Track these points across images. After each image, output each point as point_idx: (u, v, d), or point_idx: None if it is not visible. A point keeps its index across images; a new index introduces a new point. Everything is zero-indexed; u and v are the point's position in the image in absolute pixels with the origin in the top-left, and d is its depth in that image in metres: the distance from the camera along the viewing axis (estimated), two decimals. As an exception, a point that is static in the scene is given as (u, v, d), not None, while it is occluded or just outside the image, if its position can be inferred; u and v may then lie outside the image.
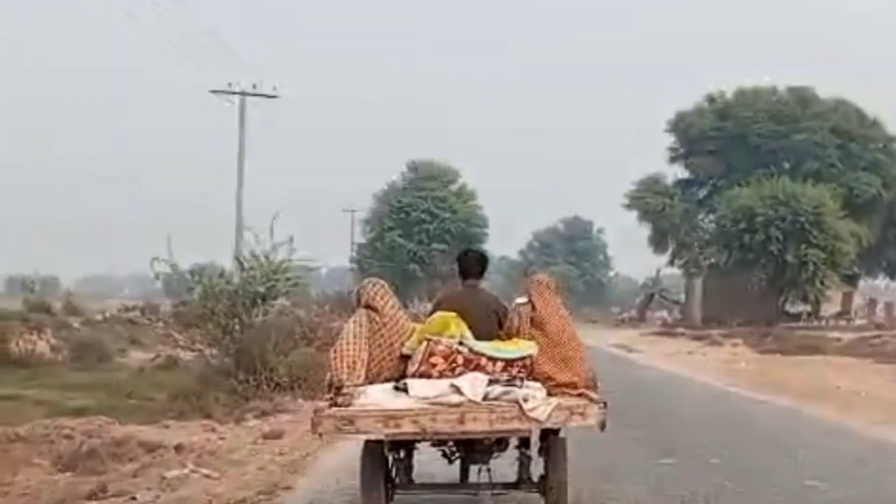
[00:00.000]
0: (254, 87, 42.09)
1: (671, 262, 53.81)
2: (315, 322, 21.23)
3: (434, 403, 5.77)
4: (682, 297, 58.87)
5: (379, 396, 5.88)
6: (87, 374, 17.22)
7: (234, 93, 41.81)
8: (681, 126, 51.77)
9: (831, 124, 48.65)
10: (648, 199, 51.66)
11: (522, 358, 6.27)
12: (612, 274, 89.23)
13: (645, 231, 52.76)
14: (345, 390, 5.82)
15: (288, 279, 15.42)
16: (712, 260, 50.62)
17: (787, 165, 48.30)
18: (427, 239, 56.65)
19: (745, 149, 49.55)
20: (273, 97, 42.50)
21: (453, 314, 6.39)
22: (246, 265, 15.26)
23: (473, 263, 7.10)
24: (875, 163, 48.97)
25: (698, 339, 35.47)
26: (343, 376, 5.91)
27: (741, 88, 51.51)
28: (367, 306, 6.23)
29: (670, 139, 52.60)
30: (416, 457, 6.73)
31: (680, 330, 42.91)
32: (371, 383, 6.04)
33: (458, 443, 6.38)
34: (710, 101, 51.98)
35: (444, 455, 6.65)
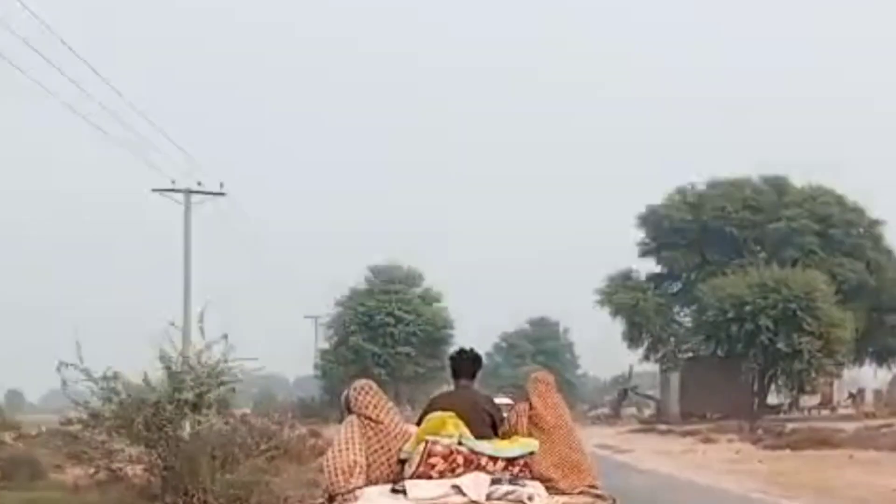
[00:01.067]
0: (199, 184, 40.15)
1: (646, 357, 53.78)
2: (271, 430, 20.17)
3: None
4: (657, 392, 58.81)
5: (377, 499, 5.78)
6: (16, 493, 15.96)
7: (178, 190, 39.74)
8: (652, 220, 52.67)
9: (810, 211, 49.39)
10: (621, 295, 51.80)
11: (523, 456, 6.20)
12: (579, 373, 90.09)
13: (615, 328, 53.17)
14: (341, 493, 5.70)
15: (222, 383, 14.03)
16: (690, 354, 50.52)
17: (764, 255, 48.57)
18: (392, 342, 56.59)
19: (720, 240, 50.45)
20: (220, 195, 40.68)
21: (450, 414, 6.36)
22: (174, 368, 13.74)
23: (467, 364, 7.19)
24: (857, 248, 49.66)
25: (687, 434, 34.98)
26: (338, 481, 5.79)
27: (714, 179, 52.34)
28: (361, 415, 6.14)
29: (640, 234, 53.41)
30: None
31: (662, 426, 42.54)
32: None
33: None
34: (681, 193, 52.50)
35: None
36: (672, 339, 52.36)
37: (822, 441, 24.59)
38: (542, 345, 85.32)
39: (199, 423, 13.59)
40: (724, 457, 24.95)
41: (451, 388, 7.24)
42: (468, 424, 6.31)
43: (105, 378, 13.42)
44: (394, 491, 5.81)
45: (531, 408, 6.52)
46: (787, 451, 23.79)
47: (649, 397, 61.35)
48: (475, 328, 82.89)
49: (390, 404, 6.36)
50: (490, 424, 6.70)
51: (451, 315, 58.96)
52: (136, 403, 13.22)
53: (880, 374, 55.22)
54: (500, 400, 40.03)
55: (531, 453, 6.18)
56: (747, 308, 42.09)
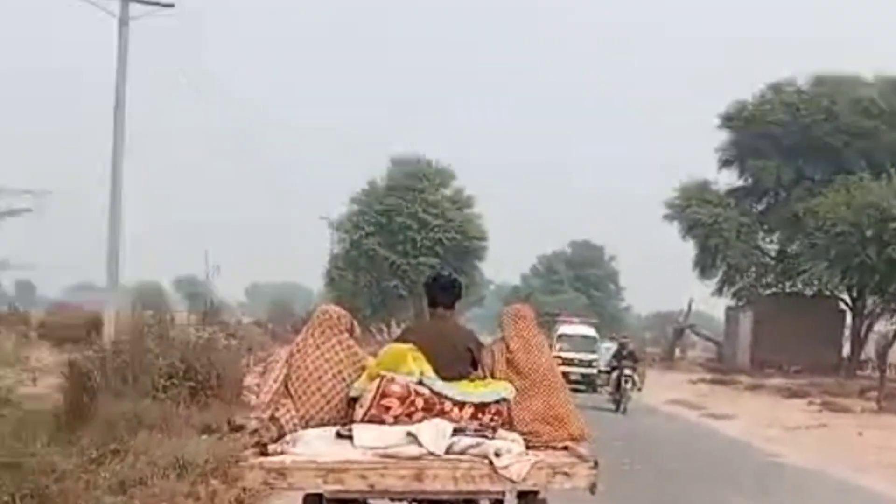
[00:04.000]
0: None
1: (719, 290, 52.95)
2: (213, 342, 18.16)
3: (385, 455, 5.87)
4: (716, 334, 59.11)
5: (318, 444, 5.95)
6: None
7: None
8: (739, 120, 50.89)
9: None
10: (696, 209, 50.75)
11: (497, 402, 6.40)
12: (623, 306, 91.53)
13: (667, 257, 51.87)
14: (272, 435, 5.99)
15: None
16: (772, 290, 50.10)
17: (876, 173, 45.18)
18: (413, 251, 56.66)
19: (823, 151, 48.45)
20: (168, 5, 30.87)
21: (410, 346, 6.58)
22: None
23: (443, 290, 7.32)
24: None
25: (788, 393, 33.18)
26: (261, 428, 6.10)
27: (818, 75, 50.65)
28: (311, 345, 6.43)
29: (721, 140, 52.05)
30: None
31: (743, 378, 41.06)
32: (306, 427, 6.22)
33: (418, 500, 6.47)
34: (775, 91, 51.02)
35: None
36: (753, 269, 51.51)
37: None
38: (583, 271, 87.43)
39: None
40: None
41: (428, 318, 7.47)
42: (439, 362, 6.54)
43: None
44: (339, 436, 6.00)
45: (507, 347, 6.79)
46: None
47: (711, 340, 61.68)
48: (510, 245, 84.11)
49: (344, 336, 6.57)
50: (470, 363, 6.94)
51: (484, 225, 59.27)
52: None
53: None
54: (575, 328, 37.60)
55: (504, 399, 6.42)
56: (893, 226, 37.76)
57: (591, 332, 38.36)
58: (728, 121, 51.48)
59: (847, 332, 49.09)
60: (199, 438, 12.49)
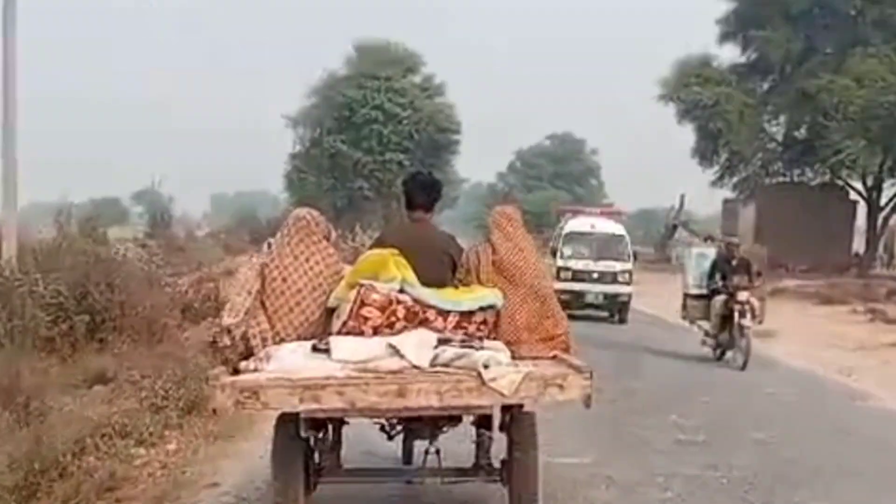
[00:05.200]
0: None
1: (720, 179, 52.66)
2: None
3: (365, 370, 6.00)
4: (717, 230, 58.99)
5: (293, 360, 6.10)
6: None
7: None
8: None
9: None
10: (696, 88, 49.76)
11: (483, 310, 6.58)
12: (606, 203, 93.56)
13: (650, 151, 51.41)
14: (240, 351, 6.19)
15: None
16: (780, 178, 50.14)
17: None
18: (379, 147, 56.45)
19: (836, 19, 47.64)
20: None
21: (392, 251, 6.75)
22: None
23: (423, 189, 7.59)
24: None
25: (822, 300, 31.28)
26: (235, 324, 6.31)
27: None
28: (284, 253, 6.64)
29: (716, 12, 51.38)
30: (346, 431, 7.25)
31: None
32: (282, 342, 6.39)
33: (400, 417, 6.78)
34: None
35: (382, 429, 7.15)
36: (759, 155, 50.83)
37: None
38: (563, 166, 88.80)
39: None
40: None
41: (405, 221, 7.70)
42: (419, 268, 6.72)
43: None
44: (315, 349, 6.15)
45: (494, 250, 6.99)
46: None
47: (709, 237, 61.04)
48: (486, 139, 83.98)
49: (323, 244, 6.76)
50: (451, 269, 7.21)
51: (458, 115, 58.95)
52: None
53: None
54: (592, 224, 27.80)
55: (492, 307, 6.63)
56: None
57: (618, 228, 27.97)
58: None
59: (857, 226, 49.72)
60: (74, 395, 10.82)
